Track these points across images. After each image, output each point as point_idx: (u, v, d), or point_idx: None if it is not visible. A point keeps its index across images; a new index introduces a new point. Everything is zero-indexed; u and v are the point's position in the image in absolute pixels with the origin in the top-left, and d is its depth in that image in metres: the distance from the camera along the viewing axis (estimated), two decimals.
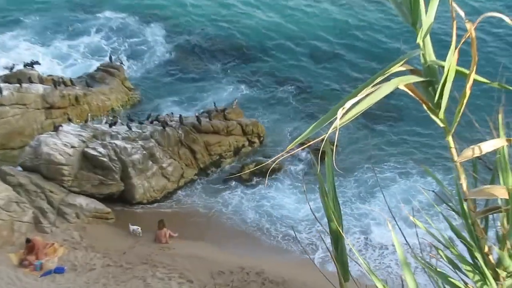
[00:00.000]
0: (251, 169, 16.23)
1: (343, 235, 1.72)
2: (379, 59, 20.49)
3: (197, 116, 17.45)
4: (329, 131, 1.49)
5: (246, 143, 18.06)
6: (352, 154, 17.19)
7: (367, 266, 1.65)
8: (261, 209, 15.72)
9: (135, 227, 14.18)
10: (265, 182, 16.26)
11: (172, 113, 18.05)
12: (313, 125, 1.56)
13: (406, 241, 1.85)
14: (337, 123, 1.47)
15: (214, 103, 18.73)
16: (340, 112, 1.49)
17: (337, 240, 1.79)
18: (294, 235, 14.35)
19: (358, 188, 16.08)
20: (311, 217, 14.86)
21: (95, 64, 20.66)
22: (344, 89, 19.71)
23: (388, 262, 13.88)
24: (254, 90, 20.65)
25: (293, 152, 2.13)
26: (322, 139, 1.57)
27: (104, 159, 15.38)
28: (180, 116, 17.42)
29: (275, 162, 2.73)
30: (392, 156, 17.10)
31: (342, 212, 1.77)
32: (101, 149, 15.54)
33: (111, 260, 13.27)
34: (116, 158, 15.51)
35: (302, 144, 1.59)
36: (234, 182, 16.81)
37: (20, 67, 18.90)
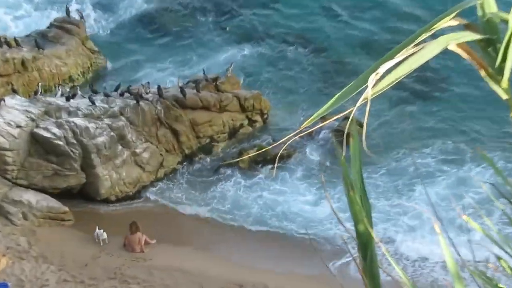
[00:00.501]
0: (251, 155, 16.33)
1: (374, 239, 1.73)
2: (427, 9, 20.52)
3: (180, 87, 17.53)
4: (357, 104, 1.48)
5: (245, 122, 18.31)
6: (384, 137, 17.33)
7: (408, 281, 1.68)
8: (264, 207, 15.97)
9: (99, 231, 14.33)
10: (269, 173, 16.38)
11: (148, 83, 18.14)
12: (336, 96, 1.56)
13: (455, 248, 1.84)
14: (368, 93, 1.47)
15: (204, 70, 18.75)
16: (372, 79, 1.49)
17: (365, 246, 1.81)
18: (308, 240, 14.67)
19: (393, 181, 16.34)
20: (330, 217, 15.00)
21: (55, 16, 20.85)
22: (377, 49, 19.81)
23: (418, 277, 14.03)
24: (256, 52, 20.90)
25: (308, 131, 1.87)
26: (347, 116, 1.58)
27: (60, 142, 15.43)
28: (159, 87, 17.45)
29: (284, 146, 2.77)
30: (435, 139, 17.36)
31: (372, 211, 1.76)
32: (55, 130, 15.59)
33: (68, 274, 13.37)
34: (75, 142, 15.59)
35: (319, 122, 1.60)
36: (229, 172, 17.03)
37: None
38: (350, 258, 12.61)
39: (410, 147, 17.06)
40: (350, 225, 1.86)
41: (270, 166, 16.58)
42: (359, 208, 1.76)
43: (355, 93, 1.54)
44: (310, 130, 4.14)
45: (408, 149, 16.89)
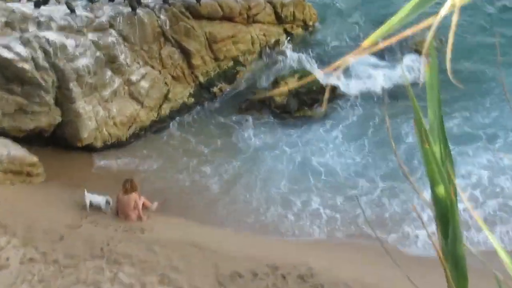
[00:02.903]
0: (293, 86, 16.28)
1: (458, 208, 1.69)
2: None
3: None
4: (440, 14, 1.45)
5: (283, 38, 18.26)
6: (474, 62, 17.28)
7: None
8: (306, 162, 15.41)
9: (99, 197, 13.49)
10: (317, 112, 15.93)
11: None
12: (410, 3, 1.53)
13: None
14: None
15: None
16: None
17: (446, 218, 1.72)
18: (362, 212, 14.01)
19: (484, 127, 15.86)
20: (397, 176, 14.27)
21: None
22: None
23: None
24: None
25: (371, 50, 1.54)
26: (424, 31, 1.56)
27: (25, 65, 14.76)
28: None
29: (338, 72, 1.67)
30: None
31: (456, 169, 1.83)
32: (19, 48, 14.90)
33: (37, 251, 12.31)
34: (46, 65, 14.92)
35: (385, 39, 1.58)
36: (260, 110, 16.58)
37: None
38: (419, 232, 12.55)
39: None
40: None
41: (315, 105, 16.17)
42: (438, 165, 1.70)
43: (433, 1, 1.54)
44: (372, 50, 2.06)
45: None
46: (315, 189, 14.95)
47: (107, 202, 13.54)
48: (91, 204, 13.50)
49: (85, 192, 13.51)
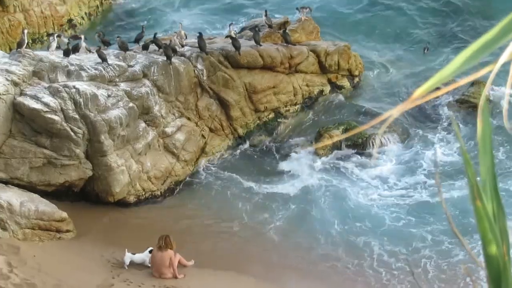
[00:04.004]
0: (337, 138, 16.43)
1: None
2: None
3: (232, 37, 17.15)
4: (499, 62, 1.47)
5: (327, 89, 18.09)
6: None
7: None
8: (352, 212, 15.26)
9: (141, 254, 13.30)
10: (362, 161, 15.72)
11: (183, 31, 17.94)
12: (466, 52, 1.51)
13: None
14: None
15: (266, 12, 18.38)
16: None
17: (498, 279, 1.70)
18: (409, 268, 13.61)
19: None
20: (445, 233, 14.16)
21: None
22: None
23: None
24: None
25: (418, 103, 1.57)
26: (476, 81, 1.58)
27: (54, 117, 14.48)
28: (200, 35, 17.01)
29: (386, 123, 1.74)
30: None
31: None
32: (48, 98, 14.64)
33: None
34: (77, 116, 14.71)
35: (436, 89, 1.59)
36: (303, 161, 16.35)
37: None
38: None
39: None
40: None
41: (360, 153, 16.13)
42: (491, 225, 1.70)
43: (495, 47, 1.50)
44: (422, 101, 1.85)
45: None
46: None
47: (146, 259, 13.36)
48: (129, 262, 13.27)
49: (126, 252, 13.30)
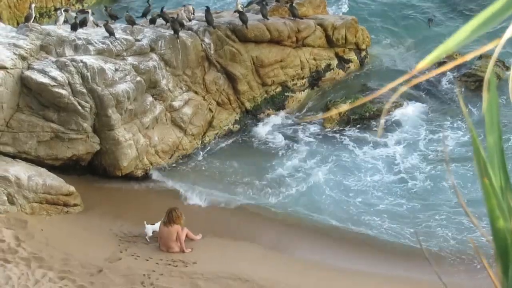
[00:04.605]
0: (344, 109, 16.13)
1: None
2: None
3: (239, 11, 17.19)
4: (504, 38, 1.43)
5: (334, 63, 18.21)
6: None
7: None
8: (357, 187, 15.32)
9: (159, 224, 13.41)
10: (367, 136, 15.91)
11: (191, 6, 17.92)
12: (470, 24, 1.49)
13: None
14: None
15: None
16: None
17: (506, 254, 1.72)
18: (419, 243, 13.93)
19: None
20: (453, 209, 14.10)
21: None
22: None
23: None
24: None
25: (423, 77, 1.66)
26: (483, 55, 1.49)
27: (62, 91, 14.62)
28: (207, 9, 17.10)
29: (394, 97, 2.63)
30: None
31: None
32: (55, 73, 14.78)
33: (74, 284, 12.22)
34: (84, 90, 14.83)
35: (434, 66, 1.65)
36: (310, 136, 16.50)
37: None
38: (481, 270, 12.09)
39: None
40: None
41: (366, 127, 16.27)
42: (498, 200, 1.70)
43: (501, 19, 1.46)
44: (428, 76, 1.93)
45: None
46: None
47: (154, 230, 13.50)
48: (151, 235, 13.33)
49: (145, 223, 13.37)
